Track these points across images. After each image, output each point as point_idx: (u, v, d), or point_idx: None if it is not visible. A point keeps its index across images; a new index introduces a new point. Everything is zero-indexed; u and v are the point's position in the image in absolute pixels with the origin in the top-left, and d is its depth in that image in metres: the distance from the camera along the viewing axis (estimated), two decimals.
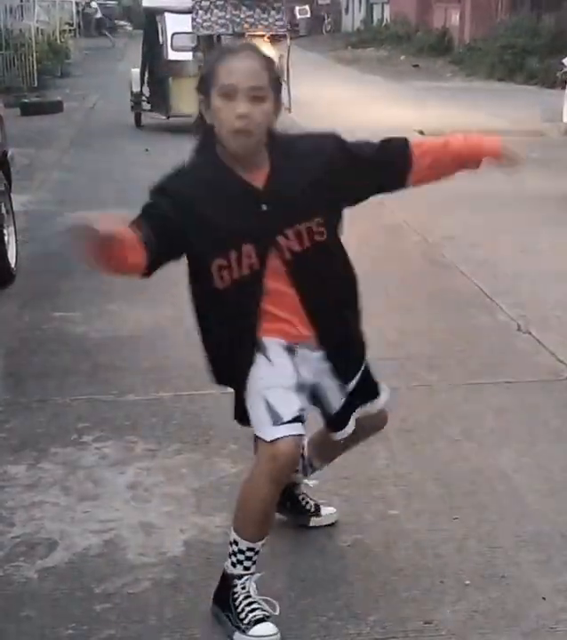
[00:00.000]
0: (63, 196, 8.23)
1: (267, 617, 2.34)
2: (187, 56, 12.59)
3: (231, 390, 2.44)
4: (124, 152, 10.99)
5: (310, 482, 2.91)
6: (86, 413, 3.72)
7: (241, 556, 2.35)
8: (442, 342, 4.58)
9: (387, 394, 2.64)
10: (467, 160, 2.47)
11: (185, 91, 11.96)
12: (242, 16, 11.94)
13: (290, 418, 2.26)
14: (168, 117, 12.74)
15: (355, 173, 2.32)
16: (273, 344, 2.32)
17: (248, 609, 2.34)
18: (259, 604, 2.36)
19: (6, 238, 5.51)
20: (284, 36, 12.28)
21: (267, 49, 7.86)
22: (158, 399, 3.85)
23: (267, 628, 2.33)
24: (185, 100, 11.88)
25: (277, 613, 2.37)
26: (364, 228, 6.12)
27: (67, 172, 9.53)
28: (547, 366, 4.27)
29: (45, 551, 2.77)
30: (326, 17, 40.61)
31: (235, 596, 2.36)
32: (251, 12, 12.00)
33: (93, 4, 35.54)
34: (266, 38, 11.80)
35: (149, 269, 2.20)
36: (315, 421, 2.61)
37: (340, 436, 2.57)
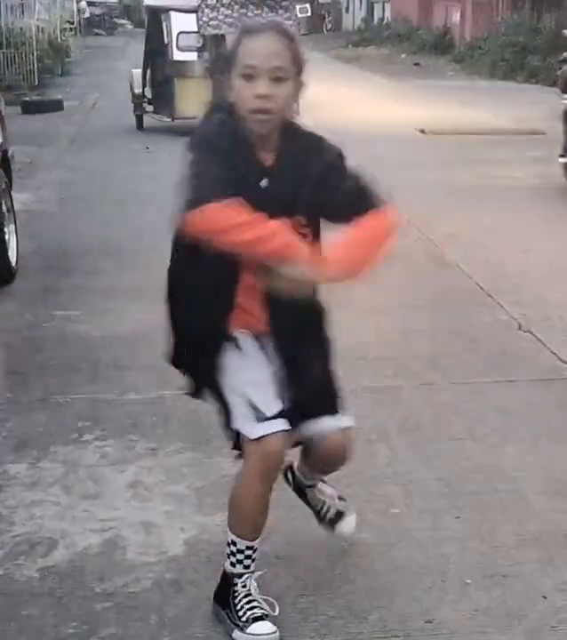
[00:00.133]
0: (64, 195, 8.23)
1: (266, 616, 2.34)
2: (193, 56, 12.36)
3: None
4: (125, 150, 10.98)
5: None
6: (87, 412, 3.72)
7: (240, 556, 2.35)
8: (443, 341, 4.58)
9: (340, 422, 2.43)
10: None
11: (191, 92, 11.76)
12: (249, 15, 11.64)
13: (273, 413, 2.24)
14: (173, 120, 12.29)
15: (336, 194, 2.27)
16: (243, 336, 2.30)
17: (247, 607, 2.34)
18: (258, 602, 2.35)
19: (7, 237, 5.50)
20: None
21: None
22: (159, 398, 3.85)
23: (265, 626, 2.32)
24: (191, 102, 11.56)
25: (276, 613, 2.36)
26: None
27: (67, 170, 9.52)
28: (548, 365, 4.27)
29: (46, 550, 2.76)
30: (327, 15, 40.62)
31: (236, 594, 2.36)
32: (260, 11, 11.74)
33: (82, 4, 35.30)
34: None
35: None
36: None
37: (321, 428, 2.41)
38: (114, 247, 6.33)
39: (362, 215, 2.23)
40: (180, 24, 12.33)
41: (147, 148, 11.22)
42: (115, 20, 44.65)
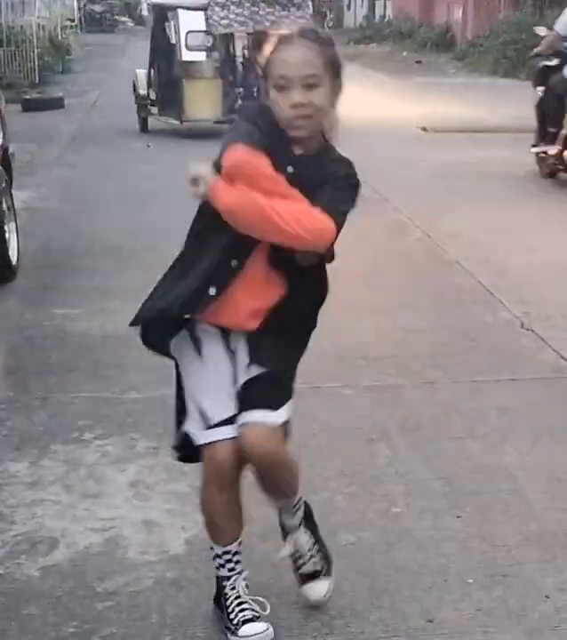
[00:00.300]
0: (64, 193, 8.22)
1: (257, 617, 2.33)
2: (202, 56, 11.95)
3: None
4: (126, 148, 10.97)
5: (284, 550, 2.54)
6: (88, 411, 3.71)
7: (220, 560, 2.36)
8: (444, 340, 4.57)
9: (270, 417, 2.24)
10: None
11: (200, 94, 11.42)
12: (261, 13, 11.30)
13: (219, 420, 2.23)
14: (181, 123, 11.80)
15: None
16: (209, 335, 2.26)
17: (238, 609, 2.33)
18: (249, 604, 2.34)
19: (7, 235, 5.49)
20: None
21: None
22: (160, 396, 3.83)
23: (255, 627, 2.31)
24: (200, 104, 11.33)
25: (267, 613, 2.34)
26: (367, 226, 6.09)
27: (68, 168, 9.52)
28: (550, 364, 4.26)
29: (47, 549, 2.76)
30: (328, 13, 40.57)
31: (227, 596, 2.36)
32: (271, 9, 11.34)
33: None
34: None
35: None
36: None
37: (243, 419, 2.26)
38: (114, 246, 6.32)
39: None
40: (189, 23, 11.85)
41: (149, 145, 11.22)
42: (116, 17, 44.65)
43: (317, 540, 2.52)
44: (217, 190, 2.12)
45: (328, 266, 2.29)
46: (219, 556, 2.36)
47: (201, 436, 2.27)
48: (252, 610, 2.34)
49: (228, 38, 11.92)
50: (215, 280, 2.20)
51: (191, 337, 2.28)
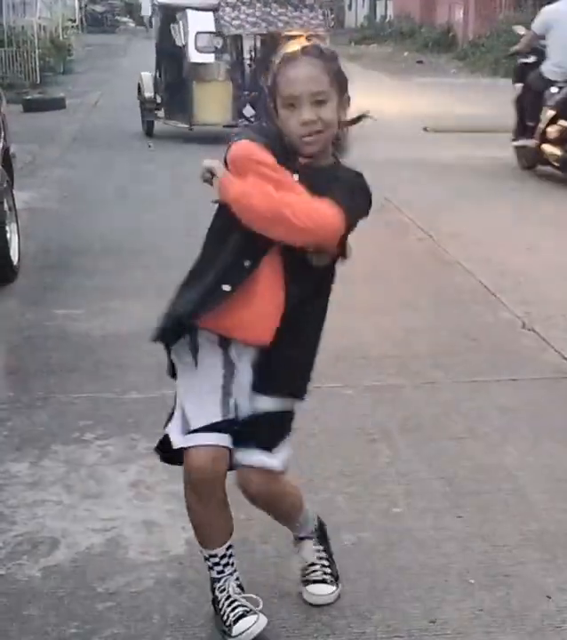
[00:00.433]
0: (65, 193, 8.22)
1: (248, 612, 2.32)
2: (211, 58, 11.55)
3: None
4: (127, 148, 10.97)
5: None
6: (88, 411, 3.71)
7: (209, 562, 2.36)
8: (446, 340, 4.57)
9: (269, 461, 2.26)
10: None
11: (211, 97, 11.12)
12: (273, 14, 11.05)
13: (199, 426, 2.20)
14: (191, 127, 11.33)
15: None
16: (206, 342, 2.24)
17: (229, 609, 2.33)
18: (239, 601, 2.34)
19: (8, 235, 5.49)
20: (323, 37, 11.53)
21: None
22: (161, 397, 3.83)
23: (245, 621, 2.30)
24: (211, 108, 11.05)
25: (260, 608, 2.33)
26: (368, 226, 6.08)
27: (69, 168, 9.52)
28: (551, 364, 4.26)
29: (48, 549, 2.76)
30: (329, 13, 40.56)
31: (218, 599, 2.36)
32: (284, 10, 11.08)
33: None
34: (304, 39, 11.16)
35: None
36: None
37: (241, 459, 2.28)
38: (115, 246, 6.33)
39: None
40: (198, 23, 11.43)
41: (150, 145, 11.22)
42: (118, 17, 44.68)
43: (328, 556, 2.54)
44: (226, 182, 2.13)
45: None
46: (206, 559, 2.36)
47: (179, 440, 2.24)
48: (243, 606, 2.33)
49: (238, 39, 11.79)
50: (229, 278, 2.18)
51: (191, 344, 2.26)
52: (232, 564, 2.36)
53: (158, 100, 12.01)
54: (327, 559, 2.54)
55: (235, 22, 11.08)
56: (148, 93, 11.95)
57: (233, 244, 2.18)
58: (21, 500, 3.03)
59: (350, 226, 2.20)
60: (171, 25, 11.72)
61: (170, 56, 11.86)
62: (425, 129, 12.30)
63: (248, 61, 12.02)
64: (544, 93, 8.68)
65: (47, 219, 7.20)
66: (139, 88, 12.20)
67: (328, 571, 2.52)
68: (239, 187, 2.12)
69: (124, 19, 45.42)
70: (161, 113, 12.02)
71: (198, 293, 2.20)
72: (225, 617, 2.33)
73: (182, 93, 11.44)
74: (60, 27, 21.97)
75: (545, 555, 2.73)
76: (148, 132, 11.93)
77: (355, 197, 2.22)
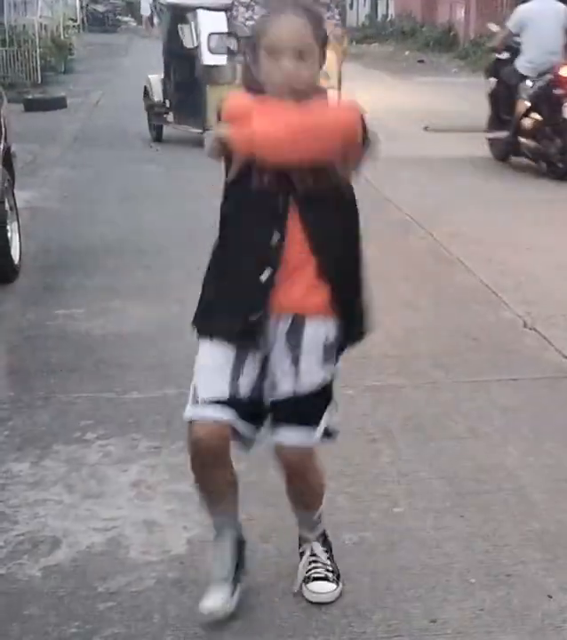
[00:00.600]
0: (66, 192, 8.23)
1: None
2: (224, 60, 11.03)
3: None
4: (128, 148, 10.97)
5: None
6: (90, 411, 3.71)
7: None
8: (447, 339, 4.56)
9: (310, 437, 2.32)
10: None
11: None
12: None
13: (206, 398, 2.25)
14: (203, 132, 10.76)
15: None
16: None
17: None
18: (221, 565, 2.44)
19: (9, 235, 5.49)
20: (342, 36, 10.93)
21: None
22: (162, 396, 3.84)
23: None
24: None
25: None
26: (369, 225, 6.09)
27: (70, 168, 9.52)
28: (553, 363, 4.25)
29: (49, 549, 2.76)
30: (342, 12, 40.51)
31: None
32: None
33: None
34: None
35: None
36: None
37: (279, 438, 2.32)
38: (116, 246, 6.32)
39: None
40: (211, 24, 10.97)
41: (151, 145, 11.21)
42: (119, 17, 44.69)
43: (330, 555, 2.56)
44: (239, 135, 2.14)
45: None
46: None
47: (186, 411, 2.30)
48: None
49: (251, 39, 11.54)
50: (267, 263, 2.21)
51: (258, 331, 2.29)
52: (230, 527, 2.46)
53: (167, 103, 11.52)
54: (329, 557, 2.55)
55: (250, 22, 10.61)
56: (158, 97, 11.48)
57: (255, 222, 2.21)
58: (23, 500, 3.04)
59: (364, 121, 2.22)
60: (180, 25, 11.35)
61: (179, 58, 11.33)
62: (426, 128, 12.29)
63: None
64: (517, 88, 9.12)
65: (48, 218, 7.20)
66: (147, 92, 11.72)
67: (330, 568, 2.53)
68: (256, 128, 2.13)
69: (126, 18, 45.43)
70: (170, 117, 11.56)
71: (244, 286, 2.23)
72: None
73: (194, 97, 10.97)
74: (62, 26, 21.96)
75: (546, 554, 2.72)
76: (157, 137, 11.54)
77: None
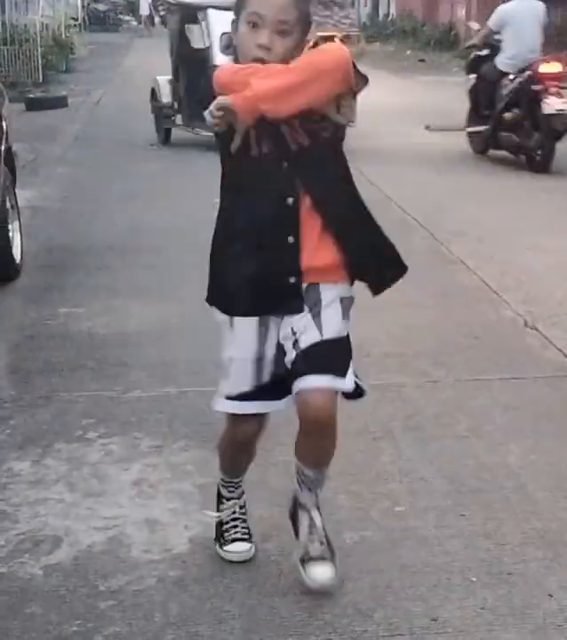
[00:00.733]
0: (67, 192, 8.23)
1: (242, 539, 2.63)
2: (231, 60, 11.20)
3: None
4: (129, 147, 10.97)
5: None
6: (91, 409, 3.71)
7: (222, 483, 2.68)
8: (448, 338, 4.56)
9: (336, 381, 2.33)
10: None
11: None
12: None
13: (235, 393, 2.38)
14: (216, 135, 11.13)
15: None
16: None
17: (229, 526, 2.65)
18: (239, 527, 2.64)
19: (11, 233, 5.50)
20: (356, 36, 11.17)
21: None
22: (164, 395, 3.84)
23: (240, 546, 2.63)
24: None
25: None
26: None
27: (71, 167, 9.52)
28: (554, 363, 4.25)
29: (50, 548, 2.76)
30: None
31: (222, 507, 2.68)
32: (314, 9, 10.75)
33: None
34: (337, 39, 10.40)
35: None
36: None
37: (303, 384, 2.31)
38: (117, 244, 6.33)
39: None
40: (222, 24, 10.22)
41: (152, 144, 11.21)
42: (120, 16, 44.74)
43: (326, 533, 2.58)
44: (240, 98, 2.15)
45: None
46: (223, 481, 2.69)
47: (217, 402, 2.45)
48: (242, 531, 2.64)
49: None
50: (288, 229, 2.25)
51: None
52: (238, 489, 2.67)
53: (175, 106, 11.22)
54: (325, 535, 2.53)
55: None
56: (166, 99, 11.16)
57: (267, 192, 2.23)
58: (24, 499, 3.04)
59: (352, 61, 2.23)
60: (188, 25, 11.03)
61: (189, 59, 10.91)
62: (427, 127, 12.29)
63: None
64: (497, 83, 9.41)
65: (49, 217, 7.20)
66: (155, 94, 11.42)
67: (325, 545, 2.51)
68: (255, 87, 2.13)
69: (127, 17, 45.46)
70: (178, 120, 11.27)
71: (271, 252, 2.26)
72: (223, 531, 2.65)
73: (205, 98, 10.81)
74: (63, 25, 22.00)
75: (547, 553, 2.72)
76: (165, 140, 11.28)
77: None
